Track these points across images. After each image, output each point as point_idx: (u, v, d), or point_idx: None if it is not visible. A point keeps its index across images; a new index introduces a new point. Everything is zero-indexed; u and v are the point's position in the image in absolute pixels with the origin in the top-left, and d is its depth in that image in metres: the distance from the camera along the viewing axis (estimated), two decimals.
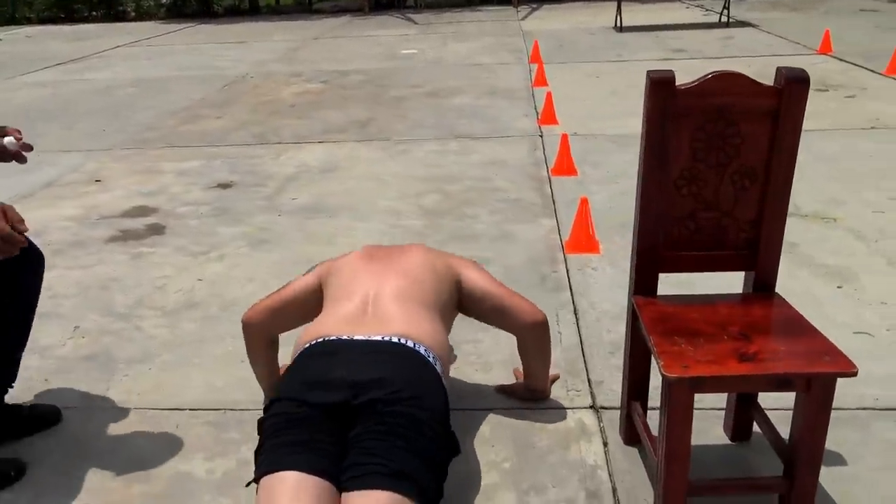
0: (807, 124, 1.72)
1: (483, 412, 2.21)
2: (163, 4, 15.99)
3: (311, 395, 1.68)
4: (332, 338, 1.82)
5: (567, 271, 3.10)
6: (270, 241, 3.58)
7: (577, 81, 6.89)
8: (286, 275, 3.03)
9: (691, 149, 1.72)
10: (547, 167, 4.43)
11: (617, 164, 4.43)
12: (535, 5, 14.45)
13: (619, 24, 10.18)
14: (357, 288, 1.98)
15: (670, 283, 1.94)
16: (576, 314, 2.76)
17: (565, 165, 4.31)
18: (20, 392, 2.43)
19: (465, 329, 2.59)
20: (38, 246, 2.20)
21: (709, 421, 2.09)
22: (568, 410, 2.21)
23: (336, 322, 1.88)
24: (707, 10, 12.03)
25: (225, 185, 4.43)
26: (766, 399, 2.04)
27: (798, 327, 1.69)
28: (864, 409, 2.15)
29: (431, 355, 1.81)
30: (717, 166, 1.74)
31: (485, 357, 2.50)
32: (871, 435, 2.05)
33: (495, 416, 2.20)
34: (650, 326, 1.71)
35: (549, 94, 5.69)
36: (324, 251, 3.35)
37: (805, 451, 1.64)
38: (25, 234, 1.81)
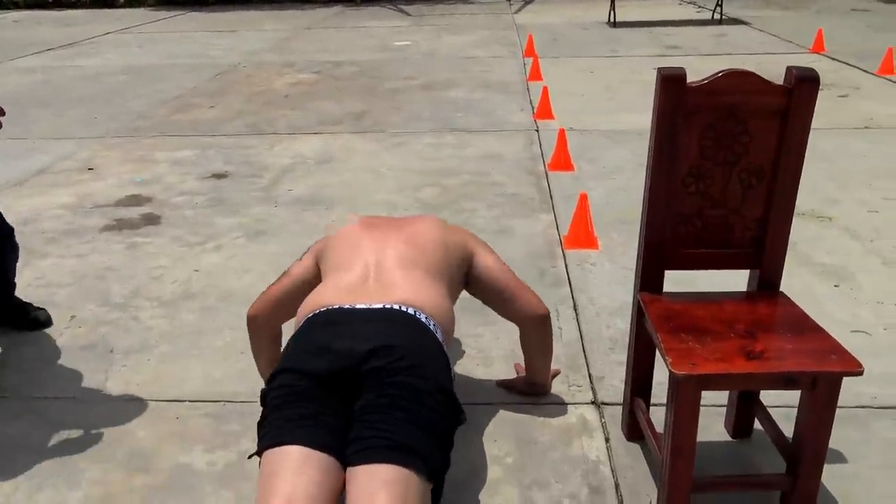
0: None
1: (484, 406, 2.22)
2: None
3: (313, 365, 1.67)
4: (333, 307, 1.80)
5: (566, 267, 3.10)
6: (267, 232, 3.56)
7: (571, 76, 6.89)
8: (283, 266, 2.97)
9: (700, 146, 1.73)
10: (543, 162, 4.44)
11: (613, 160, 4.44)
12: None
13: (612, 20, 10.18)
14: (358, 256, 1.95)
15: (671, 281, 1.94)
16: (575, 309, 2.76)
17: (562, 160, 4.31)
18: (16, 382, 2.42)
19: (467, 324, 2.59)
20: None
21: (710, 418, 2.10)
22: (569, 406, 2.22)
23: (337, 291, 1.85)
24: (700, 6, 12.05)
25: (220, 176, 4.40)
26: (767, 397, 2.06)
27: (803, 326, 1.70)
28: (862, 407, 2.18)
29: (433, 323, 1.80)
30: (726, 164, 1.75)
31: (486, 352, 2.50)
32: (870, 433, 2.07)
33: (497, 411, 2.20)
34: (657, 324, 1.72)
35: (544, 89, 5.69)
36: None
37: (809, 449, 1.65)
38: None
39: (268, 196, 4.04)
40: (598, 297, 2.84)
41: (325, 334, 1.75)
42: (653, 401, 2.02)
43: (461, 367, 2.42)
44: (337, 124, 5.48)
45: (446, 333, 1.87)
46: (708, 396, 2.13)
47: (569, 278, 3.00)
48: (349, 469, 1.57)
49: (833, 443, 1.99)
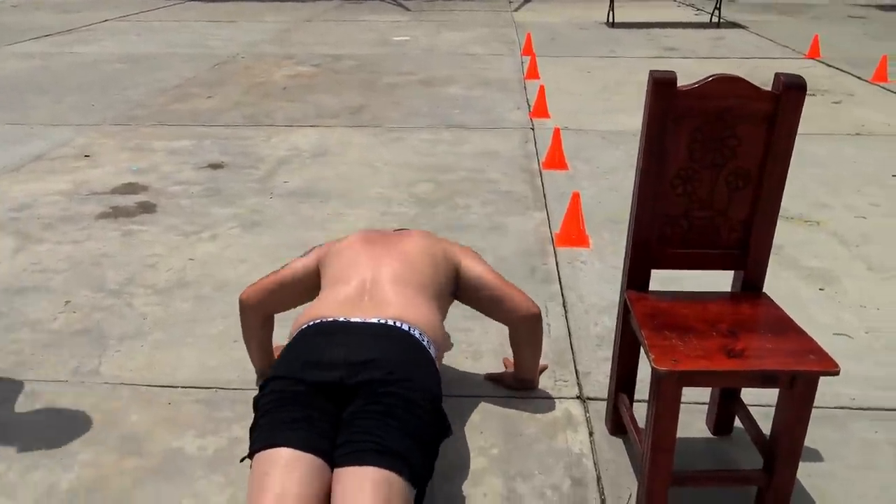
0: None
1: (473, 399, 2.26)
2: None
3: (308, 373, 1.71)
4: (329, 319, 1.85)
5: (557, 264, 3.15)
6: (262, 223, 3.59)
7: (568, 75, 6.93)
8: (278, 257, 3.06)
9: (689, 149, 1.77)
10: (538, 160, 4.48)
11: (607, 161, 4.48)
12: None
13: (611, 20, 10.22)
14: (355, 272, 2.01)
15: (658, 281, 1.98)
16: (564, 307, 2.80)
17: (556, 159, 4.35)
18: (10, 364, 2.45)
19: (457, 318, 2.63)
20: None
21: (692, 414, 2.15)
22: (555, 400, 2.26)
23: (334, 304, 1.91)
24: (699, 9, 12.10)
25: (216, 166, 4.42)
26: (748, 396, 2.10)
27: (784, 326, 1.74)
28: (841, 408, 2.22)
29: (426, 339, 1.85)
30: (713, 167, 1.79)
31: (475, 346, 2.54)
32: (848, 434, 2.12)
33: (485, 404, 2.24)
34: (642, 321, 1.76)
35: (541, 88, 5.72)
36: (316, 236, 3.38)
37: (785, 447, 1.69)
38: None
39: (263, 187, 4.07)
40: (587, 295, 2.89)
41: (320, 344, 1.80)
42: (637, 397, 2.06)
43: (451, 361, 2.46)
44: (334, 118, 5.51)
45: (438, 349, 1.92)
46: (690, 394, 2.17)
47: (559, 276, 3.05)
48: (336, 470, 1.61)
49: (811, 442, 2.05)
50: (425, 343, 1.84)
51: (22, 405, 2.24)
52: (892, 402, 2.25)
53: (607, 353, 2.40)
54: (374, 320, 1.84)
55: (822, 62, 7.58)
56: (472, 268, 2.14)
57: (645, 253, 1.87)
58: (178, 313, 2.78)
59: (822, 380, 2.27)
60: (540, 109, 5.49)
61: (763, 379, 1.62)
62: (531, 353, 2.22)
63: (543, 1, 13.70)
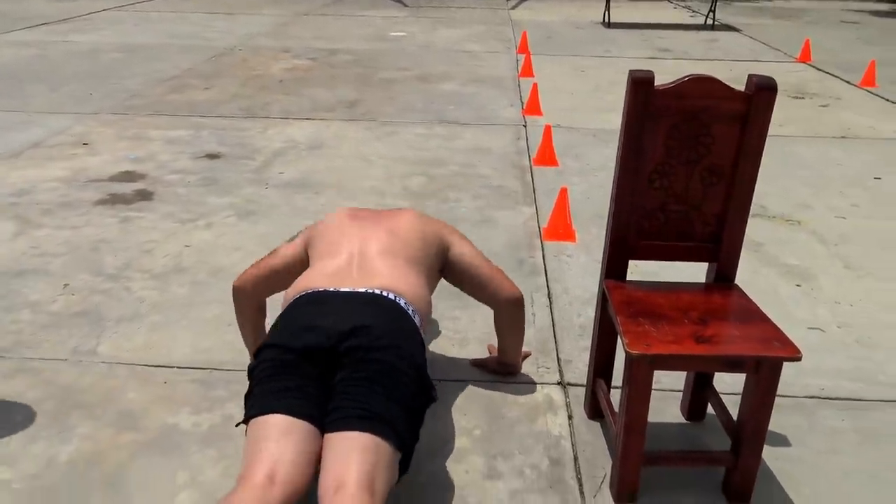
0: (781, 130, 1.87)
1: (458, 383, 2.35)
2: None
3: (299, 341, 1.79)
4: (319, 290, 1.93)
5: (543, 257, 3.24)
6: (257, 212, 3.67)
7: (563, 74, 7.02)
8: (273, 246, 3.12)
9: (665, 146, 1.86)
10: (529, 157, 4.56)
11: (597, 158, 4.57)
12: None
13: (607, 20, 10.31)
14: (344, 245, 2.08)
15: (638, 274, 2.07)
16: (549, 298, 2.90)
17: (547, 156, 4.44)
18: (10, 343, 2.53)
19: (444, 307, 2.72)
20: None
21: (666, 401, 2.25)
22: (537, 385, 2.35)
23: (323, 276, 1.98)
24: (694, 11, 12.21)
25: (213, 156, 4.50)
26: (721, 384, 2.20)
27: (752, 315, 1.84)
28: (810, 397, 2.32)
29: (411, 309, 1.93)
30: (688, 163, 1.88)
31: (462, 333, 2.63)
32: (815, 421, 2.22)
33: (469, 388, 2.33)
34: (618, 308, 1.85)
35: (535, 86, 5.81)
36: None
37: (751, 429, 1.79)
38: None
39: (259, 178, 4.14)
40: (571, 287, 2.98)
41: (311, 313, 1.88)
42: (614, 384, 2.16)
43: (438, 347, 2.55)
44: (330, 111, 5.58)
45: (423, 318, 2.00)
46: (665, 381, 2.29)
47: (545, 268, 3.14)
48: (326, 435, 1.70)
49: (780, 428, 2.15)
50: (410, 312, 1.91)
51: (22, 382, 2.32)
52: (859, 393, 2.35)
53: (589, 342, 2.49)
54: (363, 290, 1.92)
55: (813, 66, 7.69)
56: (461, 248, 2.22)
57: (623, 244, 1.96)
58: (175, 297, 2.86)
59: (793, 370, 2.39)
60: (533, 107, 5.57)
61: (729, 363, 1.71)
62: (514, 338, 2.30)
63: (540, 0, 13.79)
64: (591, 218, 3.63)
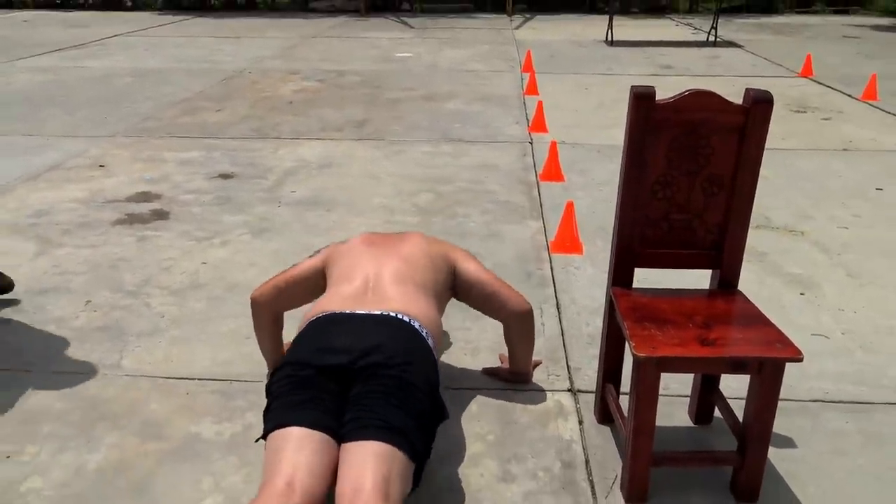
0: (784, 143, 1.95)
1: (471, 391, 2.42)
2: None
3: (317, 358, 1.88)
4: (336, 311, 2.02)
5: (551, 269, 3.31)
6: (271, 230, 3.76)
7: (567, 92, 7.13)
8: (286, 262, 3.22)
9: (667, 157, 1.94)
10: (535, 172, 4.65)
11: (602, 173, 4.66)
12: (528, 15, 14.72)
13: (609, 39, 10.44)
14: (359, 270, 2.18)
15: (645, 283, 2.14)
16: (558, 308, 2.97)
17: (553, 172, 4.53)
18: (36, 357, 2.61)
19: (456, 317, 2.79)
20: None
21: (674, 406, 2.31)
22: (548, 392, 2.42)
23: (340, 299, 2.08)
24: (696, 28, 12.35)
25: (226, 176, 4.60)
26: (727, 390, 2.26)
27: (754, 319, 1.91)
28: (815, 400, 2.38)
29: (424, 330, 2.01)
30: (690, 174, 1.96)
31: (473, 343, 2.70)
32: (819, 424, 2.28)
33: (481, 396, 2.40)
34: (625, 314, 1.92)
35: (540, 103, 5.91)
36: (322, 242, 3.54)
37: (756, 429, 1.85)
38: None
39: (272, 196, 4.24)
40: (579, 298, 3.05)
41: (328, 333, 1.97)
42: (623, 390, 2.22)
43: (451, 357, 2.62)
44: (338, 131, 5.69)
45: (436, 340, 2.09)
46: (672, 387, 2.35)
47: (553, 280, 3.21)
48: (343, 445, 1.77)
49: (786, 430, 2.21)
50: (424, 334, 2.00)
51: (49, 395, 2.40)
52: (863, 396, 2.41)
53: (597, 350, 2.55)
54: (378, 312, 2.00)
55: (815, 80, 7.78)
56: (468, 267, 2.31)
57: (629, 253, 2.04)
58: (193, 312, 2.94)
59: (798, 375, 2.45)
60: (538, 124, 5.67)
61: (733, 365, 1.78)
62: (524, 348, 2.38)
63: (544, 20, 13.98)
64: (596, 231, 3.70)
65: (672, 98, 1.88)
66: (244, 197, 4.23)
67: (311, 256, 2.40)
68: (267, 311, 2.37)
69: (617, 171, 4.65)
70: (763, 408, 1.83)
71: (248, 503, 1.67)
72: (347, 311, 2.02)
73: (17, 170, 4.69)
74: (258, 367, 2.53)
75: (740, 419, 2.02)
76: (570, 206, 3.55)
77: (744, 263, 2.08)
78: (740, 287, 2.08)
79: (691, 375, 2.26)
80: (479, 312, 2.48)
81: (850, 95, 7.00)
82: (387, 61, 8.95)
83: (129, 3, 15.77)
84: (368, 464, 1.68)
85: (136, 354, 2.64)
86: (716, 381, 2.17)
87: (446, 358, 2.61)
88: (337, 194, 4.28)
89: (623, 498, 1.95)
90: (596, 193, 4.29)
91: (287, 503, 1.63)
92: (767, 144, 1.95)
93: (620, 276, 2.07)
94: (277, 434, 1.79)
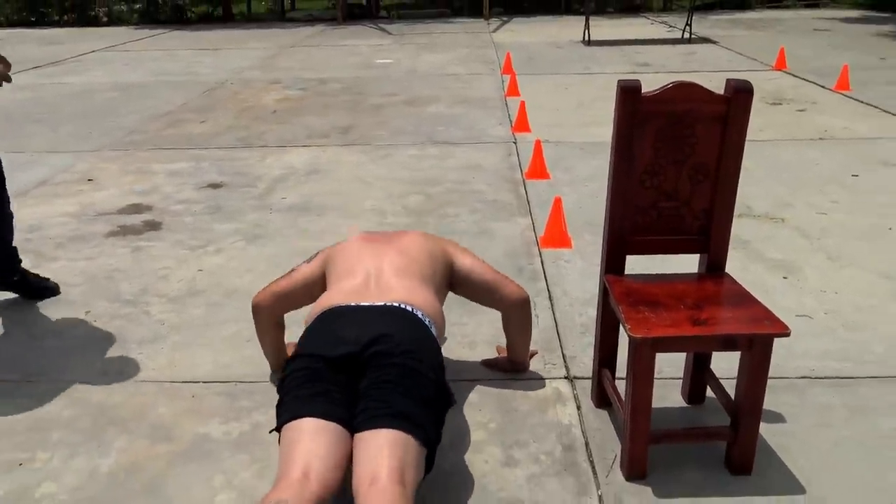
0: (762, 135, 2.04)
1: (471, 383, 2.48)
2: (136, 10, 16.07)
3: (326, 350, 1.94)
4: (340, 305, 2.08)
5: (542, 264, 3.39)
6: (264, 236, 3.81)
7: (547, 92, 7.23)
8: (282, 267, 3.26)
9: (654, 148, 2.02)
10: (521, 171, 4.74)
11: (586, 169, 4.75)
12: (505, 18, 14.85)
13: (586, 39, 10.58)
14: (360, 266, 2.24)
15: (636, 269, 2.22)
16: (551, 300, 3.04)
17: (538, 170, 4.62)
18: (41, 368, 2.65)
19: (454, 312, 2.86)
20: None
21: (668, 388, 2.39)
22: (546, 380, 2.49)
23: (344, 294, 2.14)
24: (671, 26, 12.53)
25: (216, 186, 4.64)
26: (717, 370, 2.34)
27: (743, 299, 1.99)
28: (801, 377, 2.47)
29: (427, 319, 2.08)
30: (676, 163, 2.04)
31: (470, 337, 2.77)
32: (806, 399, 2.36)
33: (481, 386, 2.47)
34: (620, 299, 2.00)
35: (522, 104, 6.00)
36: (317, 245, 3.57)
37: (747, 403, 1.93)
38: None
39: (262, 204, 4.29)
40: (571, 290, 3.13)
41: (335, 326, 2.03)
42: (619, 375, 2.29)
43: (449, 351, 2.68)
44: (324, 137, 5.75)
45: (438, 329, 2.15)
46: (666, 371, 2.43)
47: (545, 274, 3.29)
48: (356, 435, 1.83)
49: (775, 406, 2.30)
50: (427, 323, 2.06)
51: (56, 403, 2.44)
52: (846, 372, 2.50)
53: (591, 339, 2.62)
54: (381, 303, 2.06)
55: (789, 73, 7.94)
56: (465, 261, 2.38)
57: (620, 241, 2.12)
58: (193, 318, 2.99)
59: (784, 353, 2.55)
60: (521, 124, 5.76)
61: (724, 342, 1.86)
62: (522, 337, 2.45)
63: (520, 22, 14.11)
64: (584, 225, 3.79)
65: (657, 90, 1.96)
66: (235, 205, 4.27)
67: (308, 260, 2.45)
68: (267, 316, 2.43)
69: (600, 166, 4.78)
70: (754, 383, 1.91)
71: (263, 496, 1.72)
72: (352, 304, 2.08)
73: None
74: (261, 368, 2.58)
75: (732, 397, 2.10)
76: (557, 201, 3.63)
77: (728, 250, 2.17)
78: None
79: (683, 358, 2.34)
80: (475, 307, 2.55)
81: (823, 87, 7.16)
82: (367, 68, 9.02)
83: (105, 19, 15.72)
84: (383, 452, 1.73)
85: (139, 361, 2.68)
86: (707, 361, 2.25)
87: (445, 352, 2.66)
88: (327, 199, 4.34)
89: (623, 476, 2.03)
90: (581, 189, 4.38)
91: (303, 492, 1.68)
92: (746, 136, 2.03)
93: (613, 263, 2.14)
94: (292, 426, 1.84)
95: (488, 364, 2.57)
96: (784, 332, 1.83)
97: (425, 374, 1.91)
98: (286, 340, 2.53)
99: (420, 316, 2.06)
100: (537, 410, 2.33)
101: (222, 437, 2.26)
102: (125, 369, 2.63)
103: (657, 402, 2.20)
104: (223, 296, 3.17)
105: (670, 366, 2.45)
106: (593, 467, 2.08)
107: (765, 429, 2.17)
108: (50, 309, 3.09)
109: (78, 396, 2.47)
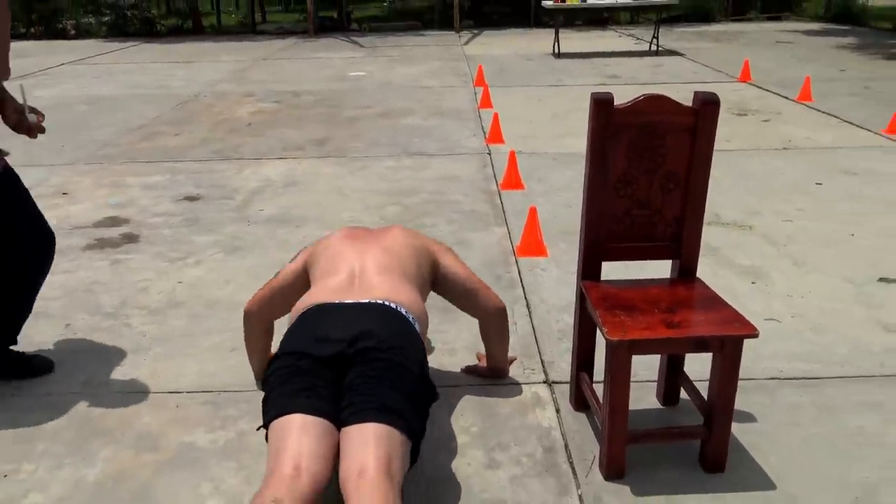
0: (728, 145, 2.13)
1: (452, 389, 2.54)
2: (104, 23, 15.94)
3: (312, 348, 1.98)
4: (324, 302, 2.12)
5: (519, 272, 3.46)
6: (243, 248, 3.84)
7: (520, 104, 7.34)
8: (263, 278, 3.31)
9: (627, 158, 2.10)
10: (496, 182, 4.82)
11: (560, 180, 4.84)
12: (475, 31, 15.00)
13: (556, 51, 10.74)
14: (343, 263, 2.28)
15: (611, 275, 2.30)
16: (528, 308, 3.11)
17: (513, 180, 4.70)
18: (26, 381, 2.65)
19: (433, 320, 2.91)
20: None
21: (643, 391, 2.46)
22: (525, 385, 2.56)
23: (327, 291, 2.18)
24: (638, 38, 12.76)
25: (192, 198, 4.65)
26: (690, 374, 2.43)
27: (713, 302, 2.08)
28: (771, 378, 2.56)
29: (411, 316, 2.13)
30: (648, 172, 2.12)
31: (450, 344, 2.83)
32: (776, 399, 2.46)
33: (463, 392, 2.52)
34: (596, 304, 2.07)
35: (495, 115, 6.10)
36: None
37: (720, 403, 2.01)
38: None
39: (240, 216, 4.31)
40: (547, 297, 3.20)
41: (319, 323, 2.07)
42: (596, 378, 2.37)
43: (430, 358, 2.71)
44: (300, 150, 5.78)
45: (422, 325, 2.20)
46: (641, 373, 2.51)
47: (521, 282, 3.36)
48: (343, 429, 1.87)
49: (746, 407, 2.38)
50: (410, 319, 2.11)
51: (40, 415, 2.44)
52: (814, 373, 2.60)
53: (568, 345, 2.70)
54: (366, 301, 2.11)
55: (753, 84, 8.15)
56: (449, 261, 2.44)
57: (596, 248, 2.19)
58: (174, 330, 3.00)
59: (754, 356, 2.64)
60: (495, 136, 5.85)
61: (697, 344, 1.94)
62: (500, 346, 2.51)
63: (491, 35, 14.26)
64: (559, 234, 3.87)
65: (629, 102, 2.05)
66: (213, 217, 4.29)
67: (291, 261, 2.49)
68: (260, 322, 2.46)
69: (573, 177, 4.89)
70: (725, 383, 1.99)
71: (254, 493, 1.75)
72: (336, 301, 2.12)
73: None
74: (245, 377, 2.61)
75: (705, 398, 2.18)
76: (533, 211, 3.71)
77: (699, 257, 2.25)
78: None
79: (657, 361, 2.42)
80: (455, 315, 2.62)
81: (786, 98, 7.37)
82: (341, 81, 9.07)
83: (73, 32, 15.57)
84: (370, 445, 1.78)
85: (122, 372, 2.69)
86: (680, 363, 2.33)
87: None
88: (305, 211, 4.37)
89: (602, 476, 2.09)
90: (556, 199, 4.47)
91: (295, 487, 1.72)
92: (714, 146, 2.12)
93: (589, 270, 2.22)
94: (279, 422, 1.88)
95: (469, 370, 2.63)
96: (753, 333, 1.91)
97: (410, 368, 1.96)
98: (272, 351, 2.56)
99: (404, 313, 2.11)
100: (518, 414, 2.40)
101: (208, 445, 2.29)
102: (108, 381, 2.64)
103: (633, 405, 2.27)
104: (204, 307, 3.19)
105: (645, 369, 2.53)
106: (573, 468, 2.14)
107: (737, 428, 2.26)
108: (30, 323, 3.06)
109: (62, 408, 2.48)
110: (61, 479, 2.15)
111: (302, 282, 2.37)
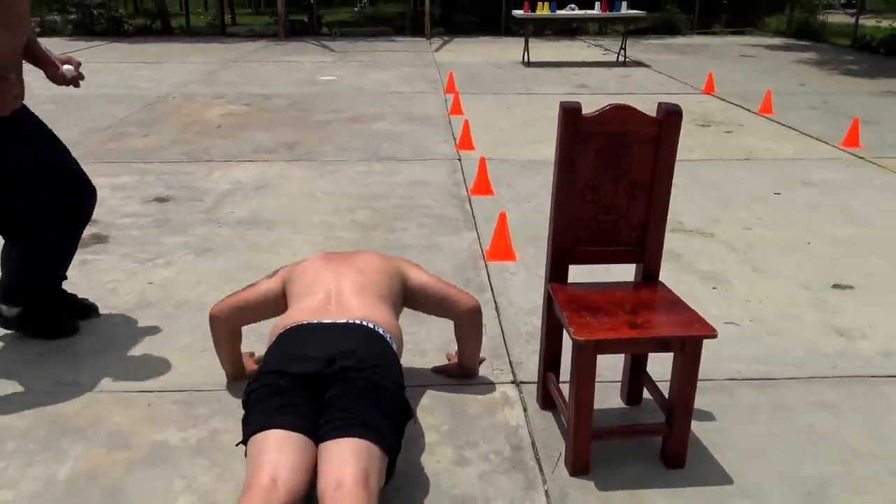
0: (691, 155, 2.22)
1: (422, 388, 2.59)
2: (70, 21, 15.73)
3: (292, 367, 2.03)
4: (304, 322, 2.17)
5: (488, 276, 3.53)
6: (214, 249, 3.85)
7: (490, 111, 7.43)
8: (234, 279, 3.35)
9: (594, 165, 2.18)
10: (466, 187, 4.89)
11: (528, 186, 4.93)
12: (446, 38, 15.11)
13: (526, 60, 10.88)
14: (320, 284, 2.34)
15: (578, 279, 2.38)
16: (497, 310, 3.18)
17: (483, 186, 4.78)
18: None
19: (403, 323, 2.95)
20: None
21: (607, 391, 2.54)
22: (494, 385, 2.62)
23: (305, 311, 2.23)
24: (606, 49, 12.98)
25: (162, 200, 4.64)
26: (653, 373, 2.51)
27: (675, 305, 2.16)
28: (729, 379, 2.66)
29: (388, 335, 2.19)
30: (614, 179, 2.20)
31: (420, 345, 2.88)
32: (734, 399, 2.55)
33: (433, 391, 2.58)
34: (563, 305, 2.14)
35: (466, 122, 6.18)
36: (267, 259, 3.66)
37: (681, 402, 2.10)
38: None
39: (211, 217, 4.32)
40: (516, 300, 3.27)
41: (298, 342, 2.12)
42: (562, 379, 2.44)
43: (401, 358, 2.78)
44: (270, 153, 5.79)
45: (398, 344, 2.27)
46: (605, 374, 2.58)
47: (491, 285, 3.43)
48: (321, 445, 1.92)
49: (706, 406, 2.48)
50: (388, 339, 2.17)
51: (10, 414, 2.43)
52: (770, 374, 2.71)
53: (536, 346, 2.78)
54: (343, 321, 2.16)
55: (717, 97, 8.36)
56: (418, 276, 2.51)
57: (563, 251, 2.27)
58: (145, 330, 3.01)
59: (713, 358, 2.74)
60: (465, 142, 5.93)
61: (659, 344, 2.02)
62: (473, 344, 2.57)
63: (462, 42, 14.38)
64: (527, 239, 3.95)
65: (596, 112, 2.13)
66: (183, 218, 4.29)
67: (269, 276, 2.53)
68: (225, 327, 2.49)
69: (542, 183, 4.98)
70: (686, 382, 2.08)
71: (226, 501, 1.79)
72: (315, 321, 2.17)
73: None
74: (217, 378, 2.64)
75: (667, 397, 2.26)
76: (502, 216, 3.78)
77: (662, 262, 2.34)
78: None
79: (621, 361, 2.50)
80: (424, 317, 2.66)
81: (748, 110, 7.57)
82: (311, 84, 9.08)
83: (38, 30, 15.33)
84: (348, 459, 1.83)
85: (92, 371, 2.70)
86: (643, 364, 2.42)
87: None
88: (276, 213, 4.40)
89: (567, 472, 2.16)
90: (525, 205, 4.56)
91: (271, 498, 1.76)
92: (677, 156, 2.21)
93: (557, 272, 2.29)
94: (259, 437, 1.92)
95: (439, 370, 2.69)
96: (712, 333, 2.00)
97: (388, 387, 2.01)
98: (242, 350, 2.59)
99: (381, 332, 2.17)
100: (486, 413, 2.46)
101: (180, 443, 2.31)
102: (78, 380, 2.64)
103: (598, 404, 2.35)
104: (175, 308, 3.20)
105: (609, 370, 2.60)
106: (540, 464, 2.21)
107: (696, 426, 2.34)
108: None
109: (32, 407, 2.47)
110: (33, 477, 2.15)
111: (275, 300, 2.42)
